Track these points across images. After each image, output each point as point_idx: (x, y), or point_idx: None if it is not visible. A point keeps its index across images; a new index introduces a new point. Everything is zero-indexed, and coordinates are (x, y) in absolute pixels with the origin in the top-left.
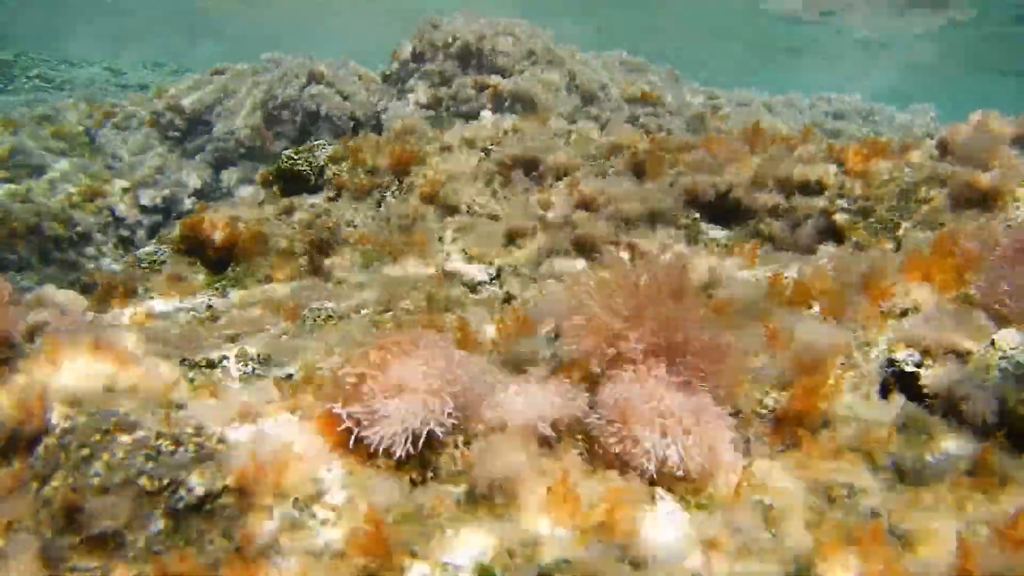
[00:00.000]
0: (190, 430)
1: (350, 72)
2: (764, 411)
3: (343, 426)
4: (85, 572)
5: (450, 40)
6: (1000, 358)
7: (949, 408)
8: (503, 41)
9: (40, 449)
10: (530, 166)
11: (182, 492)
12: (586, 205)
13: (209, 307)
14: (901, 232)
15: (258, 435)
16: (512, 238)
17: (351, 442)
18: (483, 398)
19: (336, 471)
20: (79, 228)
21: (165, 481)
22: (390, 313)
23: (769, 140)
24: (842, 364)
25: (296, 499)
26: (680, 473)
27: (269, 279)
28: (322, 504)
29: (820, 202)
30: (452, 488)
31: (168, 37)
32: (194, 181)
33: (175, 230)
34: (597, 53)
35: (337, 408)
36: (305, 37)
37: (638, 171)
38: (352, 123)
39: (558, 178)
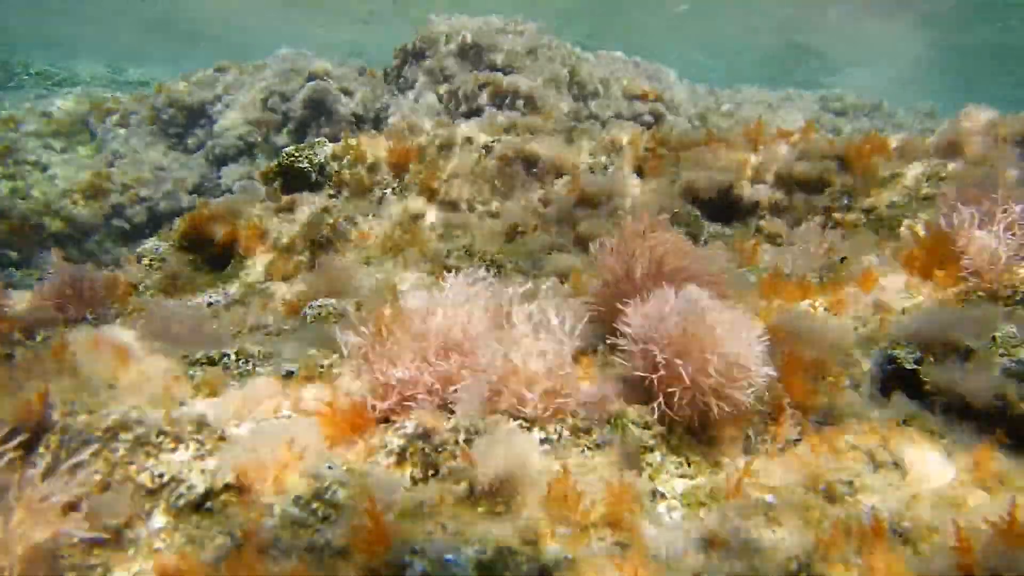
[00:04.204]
0: (191, 427)
1: (351, 69)
2: (763, 408)
3: None
4: (85, 569)
5: (451, 38)
6: (1001, 355)
7: (950, 405)
8: (504, 38)
9: (41, 446)
10: (531, 163)
11: (183, 489)
12: (586, 203)
13: (210, 304)
14: (903, 229)
15: (259, 432)
16: (512, 235)
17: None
18: None
19: (338, 468)
20: (79, 224)
21: (166, 479)
22: None
23: (770, 137)
24: (842, 361)
25: (297, 496)
26: None
27: (270, 276)
28: (323, 501)
29: (822, 199)
30: (453, 486)
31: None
32: (194, 178)
33: (175, 227)
34: (597, 52)
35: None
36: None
37: (639, 168)
38: (353, 120)
39: (558, 175)
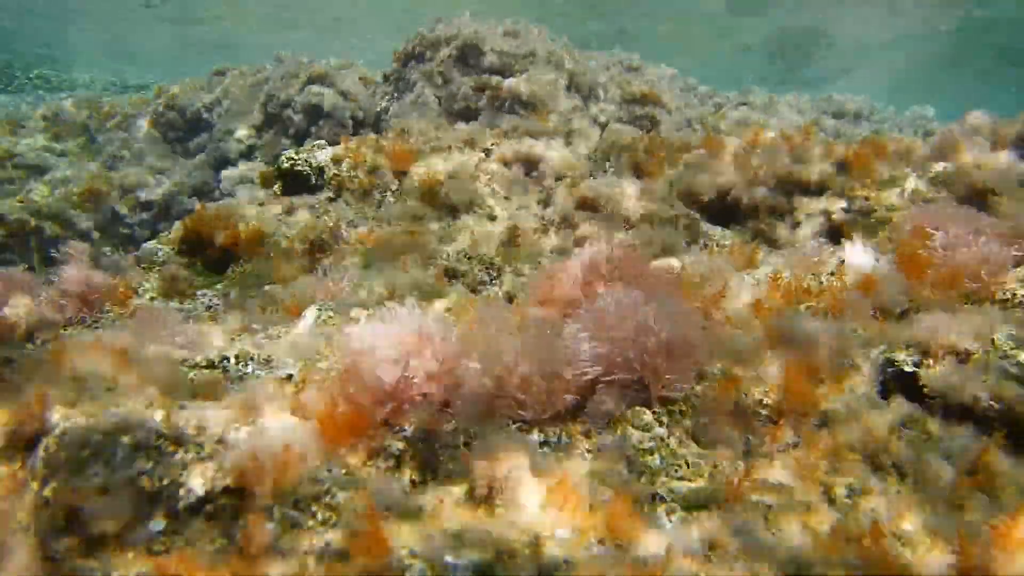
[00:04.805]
0: (191, 431)
1: (350, 72)
2: (764, 410)
3: None
4: (85, 573)
5: (450, 40)
6: (1000, 358)
7: (949, 408)
8: (503, 41)
9: (40, 449)
10: (530, 165)
11: (182, 493)
12: (586, 205)
13: (209, 307)
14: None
15: (259, 435)
16: (512, 238)
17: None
18: None
19: (337, 471)
20: (79, 228)
21: (165, 482)
22: None
23: (770, 140)
24: (842, 364)
25: (296, 499)
26: None
27: (270, 279)
28: (322, 504)
29: (821, 202)
30: (452, 488)
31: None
32: (194, 181)
33: (175, 230)
34: (597, 53)
35: None
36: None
37: (638, 171)
38: (352, 123)
39: (557, 178)
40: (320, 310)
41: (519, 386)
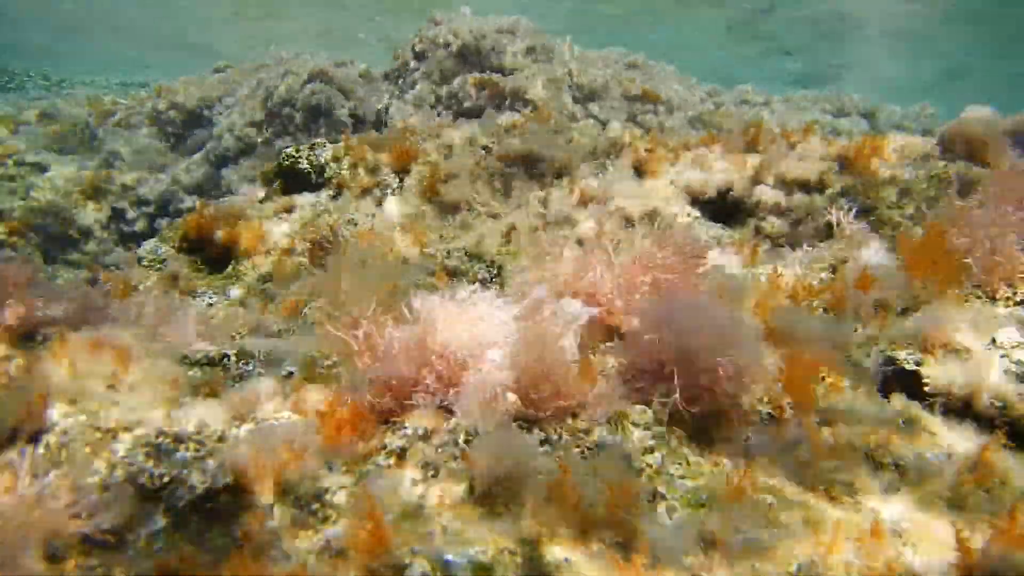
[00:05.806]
0: (191, 428)
1: (351, 70)
2: (764, 408)
3: None
4: (85, 571)
5: (451, 38)
6: (1001, 356)
7: (950, 406)
8: (504, 39)
9: (41, 447)
10: (531, 163)
11: (183, 490)
12: (587, 202)
13: (210, 305)
14: (903, 230)
15: (259, 433)
16: (512, 236)
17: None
18: None
19: (337, 469)
20: (80, 226)
21: (166, 479)
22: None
23: (770, 138)
24: (842, 362)
25: (297, 497)
26: None
27: (270, 277)
28: (323, 502)
29: (821, 200)
30: (453, 487)
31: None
32: (194, 179)
33: (176, 228)
34: (598, 51)
35: None
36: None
37: (639, 169)
38: (353, 121)
39: (558, 176)
40: (320, 308)
41: None
